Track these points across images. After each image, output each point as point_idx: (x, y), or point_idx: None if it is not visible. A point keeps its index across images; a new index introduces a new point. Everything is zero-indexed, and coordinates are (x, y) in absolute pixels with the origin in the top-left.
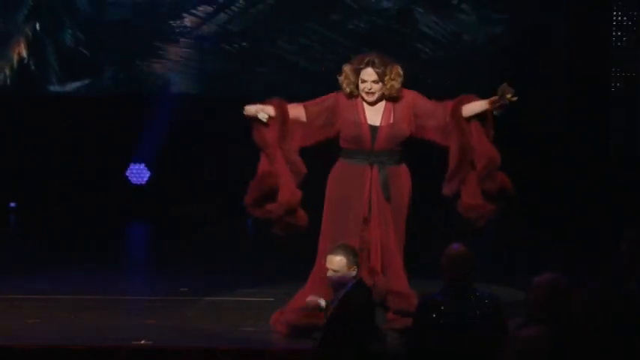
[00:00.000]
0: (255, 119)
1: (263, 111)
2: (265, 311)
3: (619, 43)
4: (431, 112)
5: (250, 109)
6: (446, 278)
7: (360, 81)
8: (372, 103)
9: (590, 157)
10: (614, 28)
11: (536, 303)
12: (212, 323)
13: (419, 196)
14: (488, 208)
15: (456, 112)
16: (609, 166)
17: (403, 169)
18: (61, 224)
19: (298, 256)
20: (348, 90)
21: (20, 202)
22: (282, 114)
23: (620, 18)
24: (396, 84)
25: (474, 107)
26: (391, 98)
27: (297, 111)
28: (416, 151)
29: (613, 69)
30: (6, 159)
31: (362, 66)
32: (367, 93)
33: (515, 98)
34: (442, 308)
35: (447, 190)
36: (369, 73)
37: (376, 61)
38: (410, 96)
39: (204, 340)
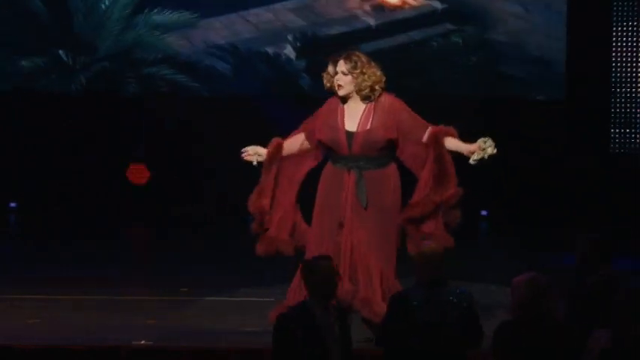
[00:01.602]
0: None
1: (258, 154)
2: (265, 311)
3: (619, 43)
4: (410, 128)
5: (247, 157)
6: (418, 275)
7: (335, 73)
8: (344, 99)
9: (590, 157)
10: (614, 28)
11: (517, 304)
12: (212, 323)
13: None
14: (446, 239)
15: (439, 139)
16: (609, 166)
17: (387, 172)
18: (61, 224)
19: (298, 256)
20: (328, 85)
21: (20, 202)
22: (274, 154)
23: (620, 18)
24: (363, 81)
25: (455, 145)
26: (367, 101)
27: (297, 140)
28: None
29: (613, 69)
30: (6, 159)
31: (338, 58)
32: (337, 85)
33: (494, 152)
34: (414, 305)
35: (408, 214)
36: (340, 64)
37: (352, 56)
38: (395, 105)
39: (204, 340)
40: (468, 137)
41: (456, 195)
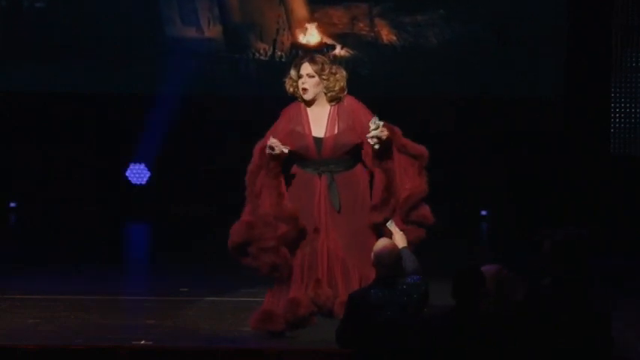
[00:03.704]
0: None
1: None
2: None
3: (619, 43)
4: (366, 129)
5: (277, 151)
6: (375, 273)
7: (298, 77)
8: (309, 103)
9: (590, 157)
10: (614, 28)
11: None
12: (212, 323)
13: None
14: (415, 234)
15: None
16: (609, 167)
17: (355, 173)
18: (61, 224)
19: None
20: (291, 90)
21: (20, 202)
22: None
23: (620, 17)
24: (336, 81)
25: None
26: (335, 102)
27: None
28: None
29: (613, 69)
30: (6, 159)
31: (302, 62)
32: (302, 89)
33: (379, 132)
34: (373, 304)
35: (376, 217)
36: (304, 67)
37: (317, 58)
38: (357, 106)
39: (204, 340)
40: (467, 137)
41: (410, 199)
